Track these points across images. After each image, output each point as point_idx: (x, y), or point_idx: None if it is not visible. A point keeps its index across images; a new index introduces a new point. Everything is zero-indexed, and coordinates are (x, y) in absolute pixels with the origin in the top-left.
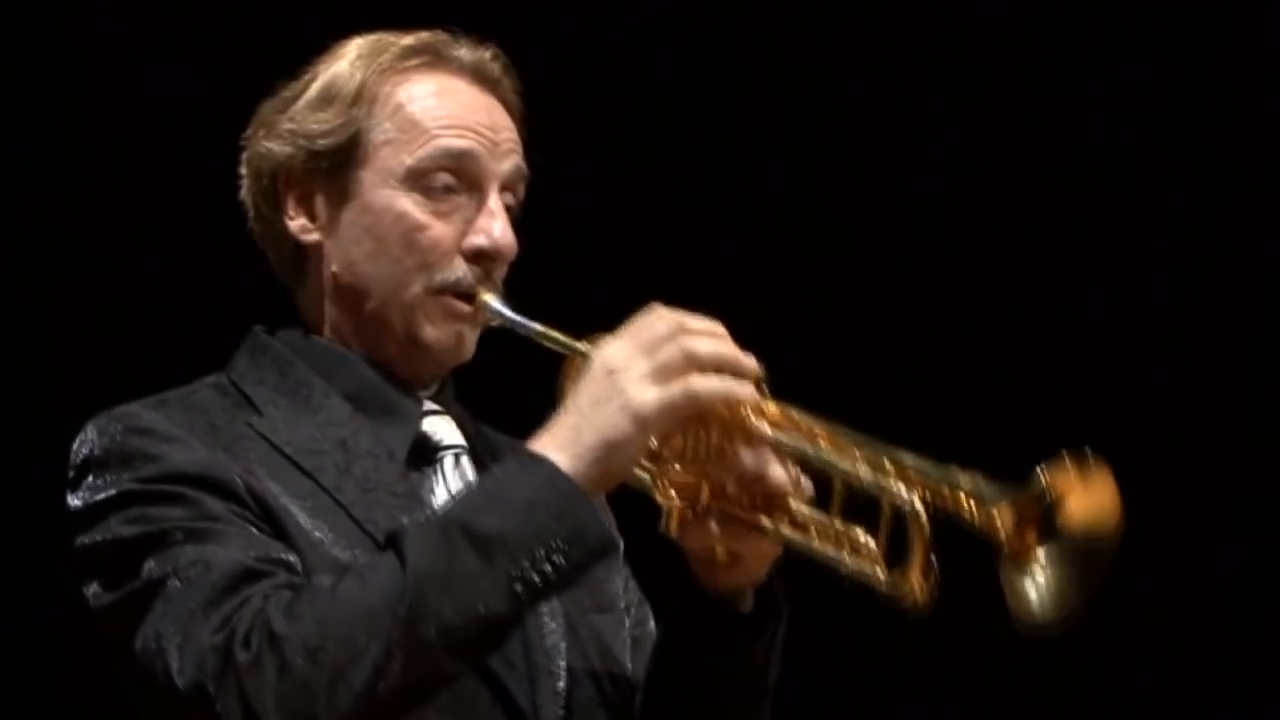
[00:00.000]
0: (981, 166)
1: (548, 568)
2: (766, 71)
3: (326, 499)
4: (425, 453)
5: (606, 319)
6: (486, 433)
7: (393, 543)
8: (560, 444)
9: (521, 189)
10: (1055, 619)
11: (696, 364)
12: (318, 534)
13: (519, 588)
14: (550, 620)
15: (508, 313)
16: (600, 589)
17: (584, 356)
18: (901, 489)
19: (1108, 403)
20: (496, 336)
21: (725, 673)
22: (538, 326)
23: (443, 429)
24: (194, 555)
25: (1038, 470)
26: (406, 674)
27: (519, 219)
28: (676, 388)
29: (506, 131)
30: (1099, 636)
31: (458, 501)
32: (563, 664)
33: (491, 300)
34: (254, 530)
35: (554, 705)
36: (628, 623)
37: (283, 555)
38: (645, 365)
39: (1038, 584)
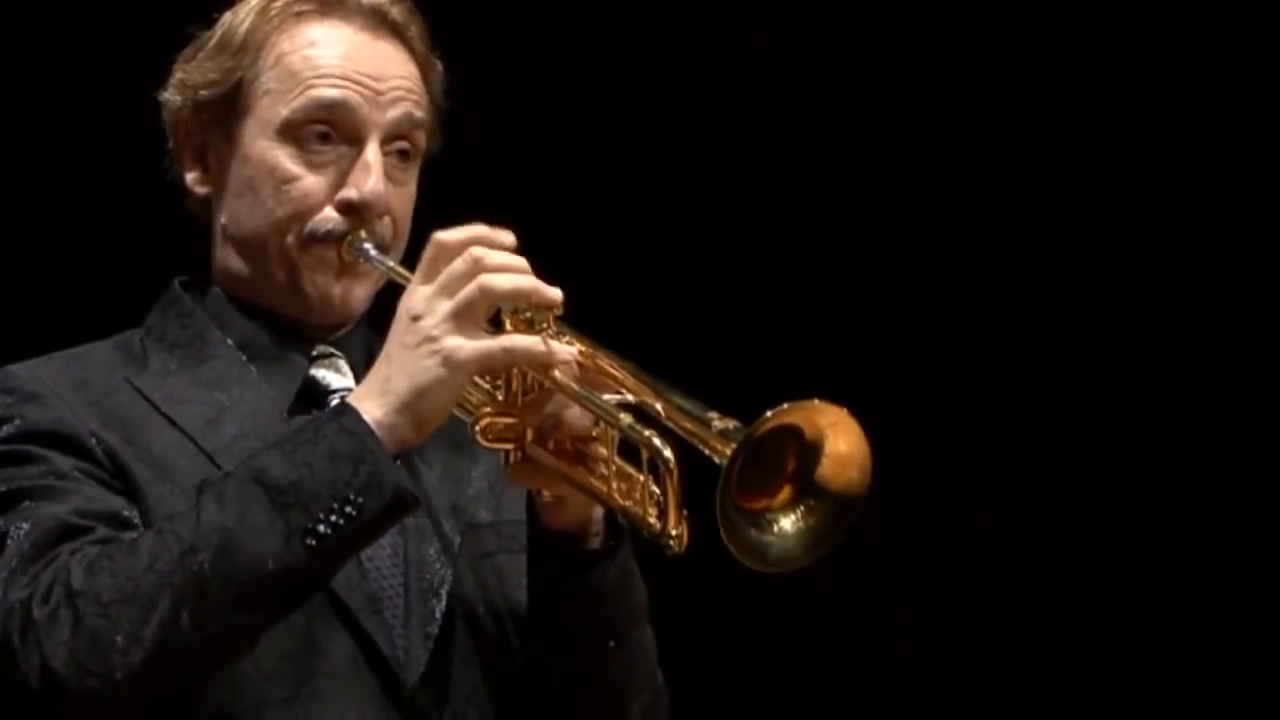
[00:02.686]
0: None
1: (340, 519)
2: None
3: (191, 448)
4: (315, 398)
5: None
6: None
7: (198, 494)
8: (372, 393)
9: (420, 136)
10: (781, 566)
11: (496, 300)
12: (174, 485)
13: (311, 541)
14: (438, 561)
15: (371, 252)
16: (514, 529)
17: None
18: (656, 441)
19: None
20: None
21: (561, 608)
22: (390, 263)
23: (333, 375)
24: (28, 513)
25: (768, 412)
26: (199, 628)
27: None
28: (487, 338)
29: (396, 79)
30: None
31: (263, 451)
32: (440, 607)
33: (359, 239)
34: (96, 485)
35: (422, 650)
36: None
37: (115, 510)
38: (446, 307)
39: (776, 528)
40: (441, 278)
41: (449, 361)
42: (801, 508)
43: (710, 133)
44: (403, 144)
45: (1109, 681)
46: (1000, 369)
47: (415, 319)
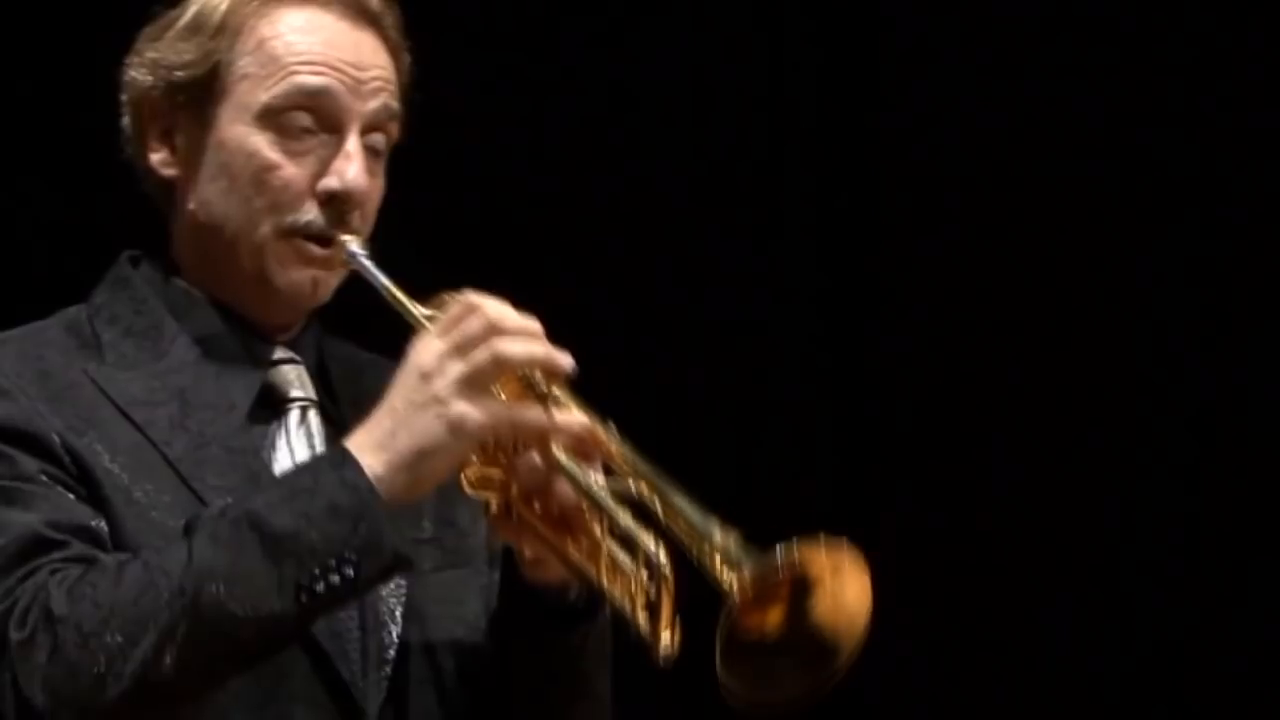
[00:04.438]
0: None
1: (336, 579)
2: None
3: (155, 454)
4: (273, 404)
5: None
6: (355, 371)
7: (189, 531)
8: (374, 445)
9: (395, 128)
10: (762, 701)
11: (508, 368)
12: (138, 493)
13: (304, 597)
14: (392, 581)
15: (364, 260)
16: (457, 543)
17: (422, 328)
18: (652, 549)
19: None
20: None
21: (536, 658)
22: (385, 280)
23: (293, 379)
24: None
25: (778, 547)
26: (179, 669)
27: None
28: (497, 410)
29: (375, 69)
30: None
31: (260, 493)
32: (395, 630)
33: (350, 243)
34: (63, 492)
35: (378, 675)
36: (489, 571)
37: (86, 522)
38: (458, 369)
39: (754, 662)
40: (455, 336)
41: (456, 429)
42: (793, 645)
43: (709, 135)
44: (378, 136)
45: (1108, 680)
46: (1001, 368)
47: (425, 376)
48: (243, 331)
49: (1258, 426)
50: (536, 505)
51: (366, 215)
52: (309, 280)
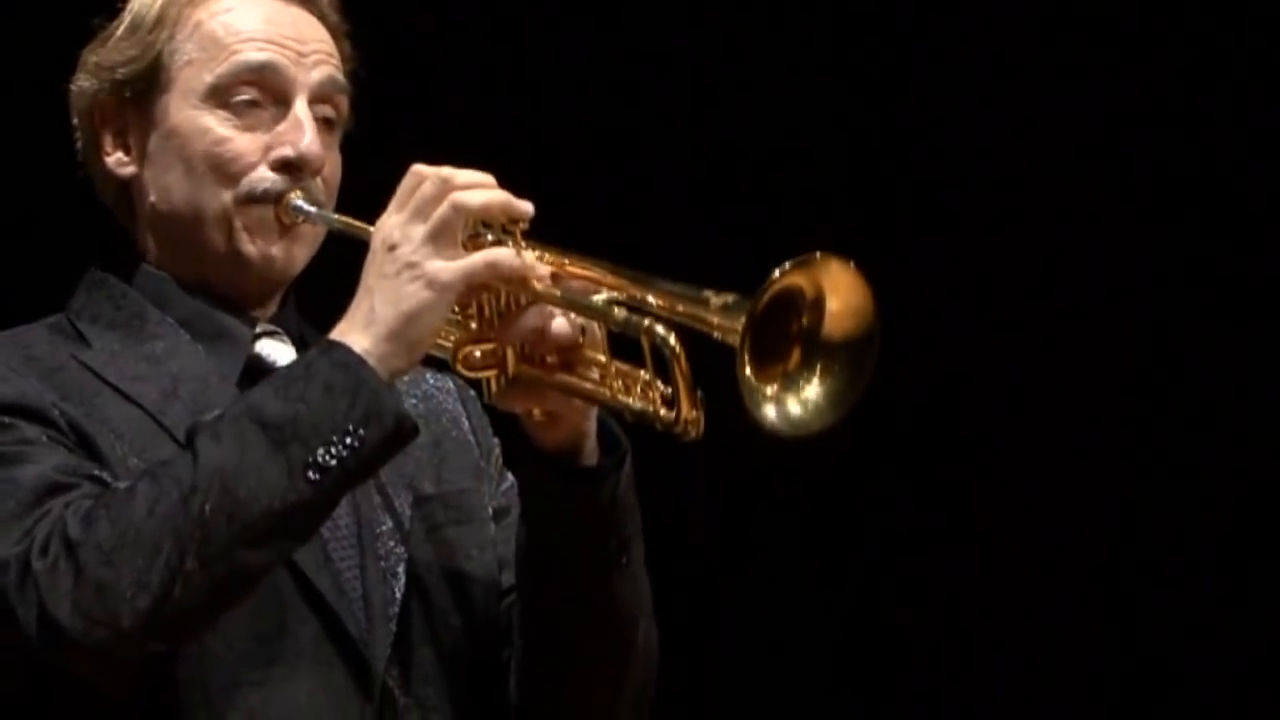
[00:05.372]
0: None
1: (343, 451)
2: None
3: (150, 423)
4: (260, 374)
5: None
6: None
7: (190, 439)
8: (358, 326)
9: (342, 100)
10: (811, 427)
11: (470, 216)
12: (135, 460)
13: (314, 474)
14: (392, 539)
15: (311, 209)
16: (459, 500)
17: None
18: (658, 328)
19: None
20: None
21: (572, 528)
22: (338, 218)
23: (278, 350)
24: (6, 475)
25: (775, 272)
26: (205, 571)
27: (343, 132)
28: (470, 259)
29: (316, 43)
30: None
31: (253, 391)
32: (399, 588)
33: (295, 198)
34: (66, 452)
35: (384, 632)
36: (494, 529)
37: (92, 472)
38: (421, 231)
39: (790, 396)
40: (413, 203)
41: (434, 284)
42: (816, 366)
43: (708, 134)
44: (327, 109)
45: (1108, 680)
46: (1001, 367)
47: (392, 248)
48: (224, 310)
49: (1258, 426)
50: (536, 360)
51: (328, 184)
52: (276, 249)
